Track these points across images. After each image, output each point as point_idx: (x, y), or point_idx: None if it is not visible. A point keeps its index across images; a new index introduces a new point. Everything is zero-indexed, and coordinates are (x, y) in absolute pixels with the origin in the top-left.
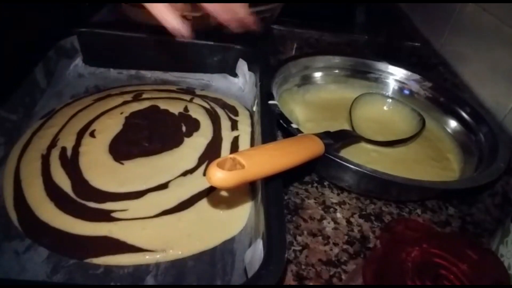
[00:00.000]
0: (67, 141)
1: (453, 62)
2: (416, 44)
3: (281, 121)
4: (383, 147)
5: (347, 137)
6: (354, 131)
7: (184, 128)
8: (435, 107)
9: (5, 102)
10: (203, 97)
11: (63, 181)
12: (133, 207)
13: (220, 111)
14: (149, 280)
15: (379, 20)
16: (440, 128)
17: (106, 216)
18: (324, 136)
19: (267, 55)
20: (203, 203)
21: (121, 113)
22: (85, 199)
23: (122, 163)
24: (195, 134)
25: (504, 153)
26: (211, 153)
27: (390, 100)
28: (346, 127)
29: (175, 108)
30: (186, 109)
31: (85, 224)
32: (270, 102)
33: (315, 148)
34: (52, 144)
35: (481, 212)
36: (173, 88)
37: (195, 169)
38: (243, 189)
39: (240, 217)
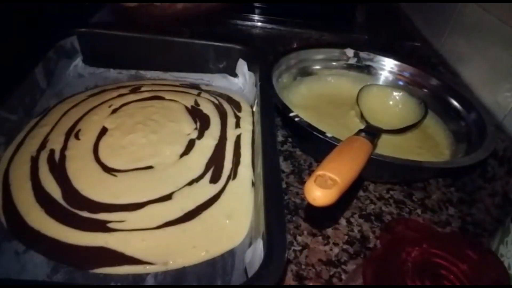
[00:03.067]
0: (55, 142)
1: (453, 62)
2: (416, 44)
3: (283, 110)
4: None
5: (376, 132)
6: (373, 124)
7: (198, 125)
8: (428, 97)
9: (5, 102)
10: (209, 92)
11: (52, 188)
12: (131, 219)
13: (226, 106)
14: (149, 280)
15: (379, 20)
16: (431, 116)
17: (101, 227)
18: (364, 135)
19: (267, 55)
20: (209, 212)
21: (110, 106)
22: (77, 208)
23: (115, 175)
24: (206, 133)
25: (491, 139)
26: (216, 157)
27: (390, 90)
28: (350, 117)
29: (185, 100)
30: (196, 102)
31: (79, 234)
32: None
33: (367, 149)
34: (42, 146)
35: (481, 212)
36: (176, 83)
37: (202, 176)
38: (247, 194)
39: (244, 224)
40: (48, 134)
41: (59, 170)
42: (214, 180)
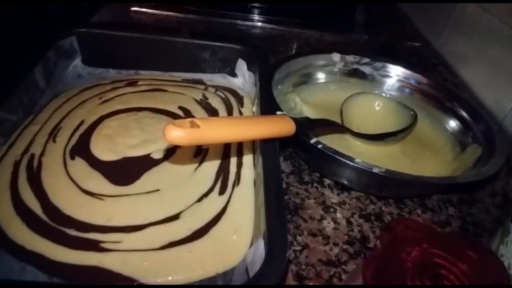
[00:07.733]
0: (38, 145)
1: (453, 62)
2: (416, 44)
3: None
4: (374, 142)
5: (329, 125)
6: (339, 123)
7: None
8: (433, 105)
9: (4, 103)
10: (216, 87)
11: (31, 201)
12: (129, 239)
13: (232, 101)
14: None
15: (379, 20)
16: (437, 127)
17: (93, 246)
18: (301, 119)
19: (267, 55)
20: (217, 228)
21: (100, 98)
22: (63, 226)
23: (101, 199)
24: None
25: (502, 148)
26: (225, 162)
27: (382, 99)
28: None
29: (193, 93)
30: (204, 96)
31: (69, 252)
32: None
33: (285, 125)
34: (27, 148)
35: (481, 212)
36: (178, 79)
37: (212, 189)
38: (251, 200)
39: (249, 233)
40: (36, 134)
41: (36, 180)
42: (222, 190)
